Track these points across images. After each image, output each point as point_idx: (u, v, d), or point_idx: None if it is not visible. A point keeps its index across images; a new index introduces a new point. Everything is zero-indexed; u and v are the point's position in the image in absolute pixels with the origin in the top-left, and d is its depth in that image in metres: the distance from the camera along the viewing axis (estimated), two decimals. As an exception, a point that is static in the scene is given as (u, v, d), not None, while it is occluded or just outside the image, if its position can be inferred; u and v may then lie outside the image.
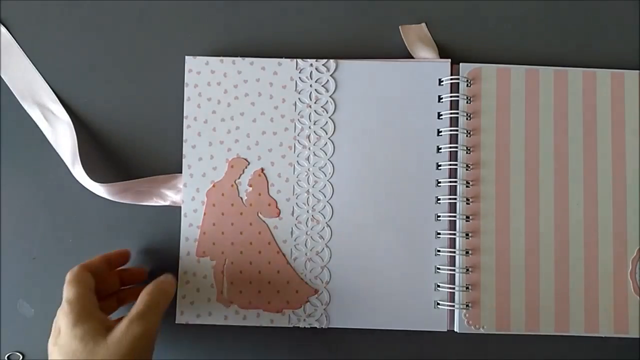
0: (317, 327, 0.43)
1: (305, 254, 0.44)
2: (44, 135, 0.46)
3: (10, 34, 0.47)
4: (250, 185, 0.44)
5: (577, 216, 0.44)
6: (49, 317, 0.39)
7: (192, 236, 0.44)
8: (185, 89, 0.44)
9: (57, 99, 0.46)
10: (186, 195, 0.44)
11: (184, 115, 0.44)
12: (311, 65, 0.44)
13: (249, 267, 0.44)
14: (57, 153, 0.45)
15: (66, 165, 0.45)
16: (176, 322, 0.43)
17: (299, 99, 0.44)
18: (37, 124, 0.46)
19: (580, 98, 0.45)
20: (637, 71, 0.45)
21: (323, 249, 0.44)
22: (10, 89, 0.46)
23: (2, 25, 0.47)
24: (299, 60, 0.44)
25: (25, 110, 0.46)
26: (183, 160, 0.44)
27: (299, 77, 0.44)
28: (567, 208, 0.44)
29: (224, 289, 0.44)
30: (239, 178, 0.44)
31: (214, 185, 0.44)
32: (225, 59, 0.45)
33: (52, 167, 0.46)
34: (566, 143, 0.44)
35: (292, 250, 0.44)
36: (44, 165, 0.46)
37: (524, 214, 0.44)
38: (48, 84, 0.46)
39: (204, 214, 0.44)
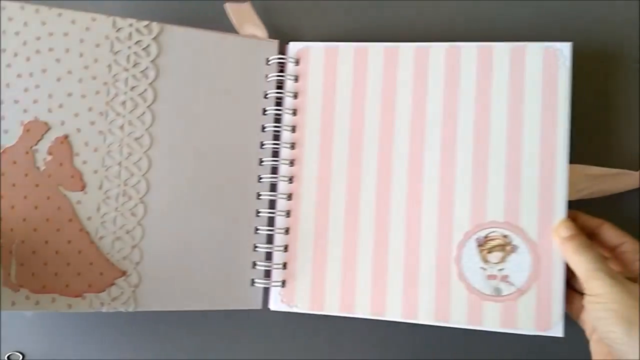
0: (123, 310, 0.40)
1: (114, 233, 0.40)
2: None
3: None
4: (51, 154, 0.39)
5: (400, 196, 0.43)
6: (49, 317, 0.41)
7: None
8: (-28, 34, 0.38)
9: None
10: (-33, 161, 0.37)
11: (-32, 65, 0.37)
12: (131, 25, 0.40)
13: (44, 246, 0.38)
14: None
15: None
16: (-53, 310, 0.37)
17: (115, 60, 0.40)
18: None
19: (411, 74, 0.43)
20: (474, 44, 0.42)
21: (135, 227, 0.40)
22: None
23: None
24: (118, 19, 0.40)
25: None
26: (-35, 119, 0.37)
27: (117, 37, 0.40)
28: (390, 189, 0.43)
29: (12, 272, 0.38)
30: (36, 144, 0.38)
31: (4, 151, 0.38)
32: (26, 5, 0.38)
33: None
34: (393, 120, 0.43)
35: (98, 229, 0.39)
36: None
37: (345, 194, 0.43)
38: None
39: (-10, 183, 0.38)
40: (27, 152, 0.38)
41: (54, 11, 0.39)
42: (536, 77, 0.41)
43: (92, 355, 0.41)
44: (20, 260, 0.38)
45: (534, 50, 0.41)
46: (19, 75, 0.38)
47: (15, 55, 0.38)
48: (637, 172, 0.44)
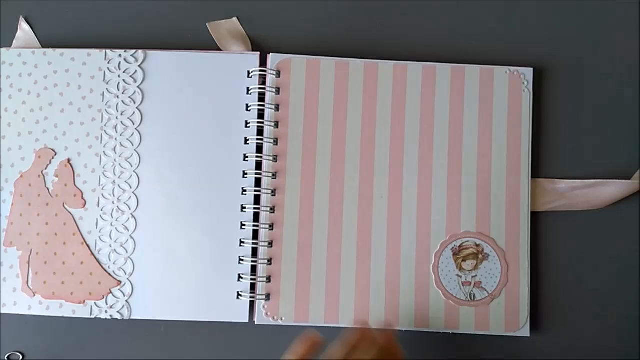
0: (119, 318, 0.43)
1: (110, 246, 0.43)
2: None
3: None
4: (57, 176, 0.44)
5: (381, 209, 0.43)
6: (49, 317, 0.43)
7: (1, 226, 0.44)
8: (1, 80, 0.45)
9: None
10: (-5, 186, 0.44)
11: (-4, 106, 0.45)
12: (120, 55, 0.44)
13: (53, 257, 0.44)
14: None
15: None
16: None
17: (107, 89, 0.44)
18: None
19: (390, 90, 0.44)
20: (449, 65, 0.44)
21: (127, 240, 0.43)
22: None
23: None
24: (108, 51, 0.44)
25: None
26: (-7, 150, 0.44)
27: (108, 68, 0.44)
28: (372, 200, 0.43)
29: (29, 279, 0.44)
30: (45, 169, 0.44)
31: (21, 176, 0.44)
32: (37, 50, 0.45)
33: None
34: (374, 134, 0.43)
35: (96, 242, 0.44)
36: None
37: (328, 206, 0.43)
38: None
39: (12, 204, 0.44)
40: (39, 176, 0.44)
41: (57, 52, 0.45)
42: (503, 97, 0.44)
43: (91, 356, 0.45)
44: (35, 269, 0.44)
45: (500, 73, 0.44)
46: (31, 110, 0.44)
47: (29, 93, 0.44)
48: (624, 181, 0.43)
